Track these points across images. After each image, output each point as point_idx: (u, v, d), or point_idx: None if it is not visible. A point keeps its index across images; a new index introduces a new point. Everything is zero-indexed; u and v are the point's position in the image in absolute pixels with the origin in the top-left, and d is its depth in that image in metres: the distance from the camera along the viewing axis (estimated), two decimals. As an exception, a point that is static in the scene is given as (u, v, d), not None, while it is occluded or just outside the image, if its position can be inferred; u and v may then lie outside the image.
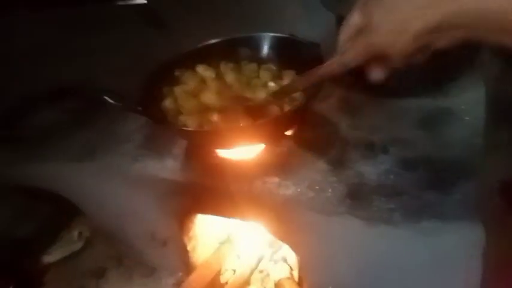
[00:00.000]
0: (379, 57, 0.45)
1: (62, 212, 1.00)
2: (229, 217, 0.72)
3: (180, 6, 1.17)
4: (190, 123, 0.64)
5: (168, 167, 0.74)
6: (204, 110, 0.66)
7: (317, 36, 0.81)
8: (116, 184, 0.80)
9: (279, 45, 0.78)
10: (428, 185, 0.61)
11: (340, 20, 0.82)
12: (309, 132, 0.72)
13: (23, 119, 0.96)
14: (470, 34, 0.39)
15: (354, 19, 0.46)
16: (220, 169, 0.69)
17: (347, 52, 0.47)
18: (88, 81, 1.02)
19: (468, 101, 0.74)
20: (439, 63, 0.76)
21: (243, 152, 0.68)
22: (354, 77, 0.78)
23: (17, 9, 1.22)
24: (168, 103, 0.69)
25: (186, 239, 0.81)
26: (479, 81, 0.77)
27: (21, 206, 0.98)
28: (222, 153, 0.70)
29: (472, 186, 0.59)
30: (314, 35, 0.88)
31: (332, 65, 0.52)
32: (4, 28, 1.21)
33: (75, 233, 0.99)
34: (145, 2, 1.23)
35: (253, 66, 0.76)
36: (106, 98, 0.59)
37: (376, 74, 0.48)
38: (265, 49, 0.80)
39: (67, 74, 1.08)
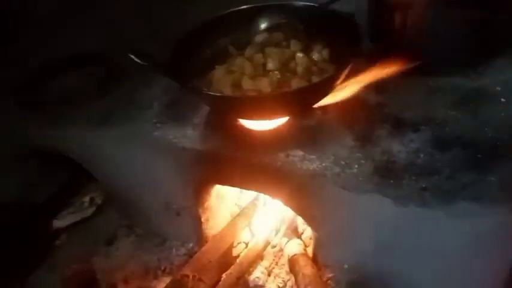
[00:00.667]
0: None
1: (76, 178, 0.99)
2: (248, 189, 0.70)
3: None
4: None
5: (188, 136, 0.71)
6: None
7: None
8: (134, 151, 0.78)
9: (310, 15, 0.75)
10: (462, 166, 0.58)
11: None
12: (336, 106, 0.69)
13: (45, 84, 0.94)
14: None
15: None
16: (241, 139, 0.67)
17: None
18: (110, 47, 1.00)
19: (504, 82, 0.70)
20: (473, 43, 0.73)
21: (267, 123, 0.65)
22: (386, 53, 0.76)
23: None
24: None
25: (200, 210, 0.79)
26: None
27: (37, 170, 0.97)
28: (245, 123, 0.67)
29: (509, 169, 0.56)
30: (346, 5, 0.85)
31: None
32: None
33: (87, 199, 0.98)
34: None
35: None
36: (132, 56, 0.56)
37: None
38: (296, 18, 0.76)
39: (89, 40, 1.07)
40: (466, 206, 0.53)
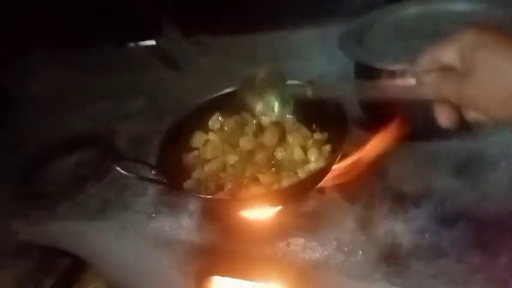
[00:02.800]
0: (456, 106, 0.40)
1: (76, 269, 0.96)
2: (250, 280, 0.67)
3: (191, 49, 1.15)
4: (210, 186, 0.61)
5: (184, 227, 0.70)
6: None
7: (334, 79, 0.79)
8: (132, 243, 0.76)
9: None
10: (470, 244, 0.56)
11: (358, 66, 0.80)
12: (332, 185, 0.67)
13: (39, 173, 0.94)
14: None
15: (447, 56, 0.39)
16: (239, 230, 0.65)
17: (426, 84, 0.41)
18: (103, 129, 1.01)
19: (501, 143, 0.69)
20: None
21: (264, 212, 0.64)
22: (379, 121, 0.75)
23: (34, 48, 1.23)
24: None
25: (205, 300, 0.76)
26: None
27: (36, 264, 0.95)
28: (242, 212, 0.65)
29: (520, 246, 0.54)
30: (331, 77, 0.85)
31: (401, 87, 0.46)
32: (21, 70, 1.22)
33: (89, 289, 0.94)
34: (155, 43, 1.22)
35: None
36: (117, 168, 0.55)
37: (448, 119, 0.41)
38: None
39: (82, 121, 1.08)
40: (478, 294, 0.50)
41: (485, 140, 0.70)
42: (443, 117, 0.42)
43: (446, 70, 0.40)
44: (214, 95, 0.74)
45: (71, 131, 1.05)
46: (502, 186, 0.62)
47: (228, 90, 0.76)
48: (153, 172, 0.59)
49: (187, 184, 0.62)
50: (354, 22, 0.79)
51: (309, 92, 0.53)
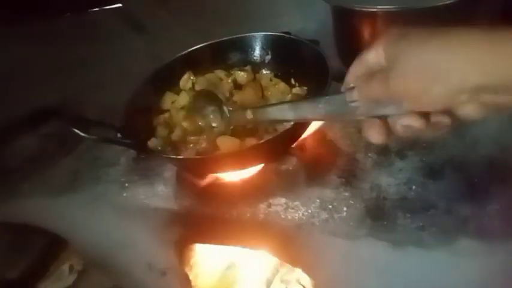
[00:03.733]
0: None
1: (52, 246, 0.92)
2: (232, 246, 0.64)
3: (159, 9, 1.08)
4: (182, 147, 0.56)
5: (159, 194, 0.66)
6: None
7: (313, 33, 0.74)
8: (106, 215, 0.72)
9: (273, 45, 0.70)
10: (458, 195, 0.53)
11: (336, 12, 0.75)
12: (313, 141, 0.64)
13: (4, 149, 0.88)
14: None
15: (372, 57, 0.40)
16: (217, 193, 0.61)
17: (356, 90, 0.40)
18: (71, 99, 0.95)
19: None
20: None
21: (243, 172, 0.60)
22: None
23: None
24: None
25: (187, 268, 0.73)
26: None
27: (9, 243, 0.91)
28: (219, 175, 0.61)
29: (509, 194, 0.51)
30: (310, 31, 0.80)
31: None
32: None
33: (66, 267, 0.91)
34: (121, 5, 1.14)
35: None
36: (76, 130, 0.50)
37: (377, 134, 0.39)
38: (257, 51, 0.72)
39: (48, 94, 1.00)
40: (467, 244, 0.48)
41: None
42: (372, 132, 0.40)
43: (372, 72, 0.40)
44: (184, 52, 0.69)
45: (36, 105, 0.99)
46: (488, 133, 0.59)
47: (200, 45, 0.71)
48: (118, 135, 0.54)
49: (153, 143, 0.58)
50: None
51: (249, 116, 0.49)
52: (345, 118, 0.48)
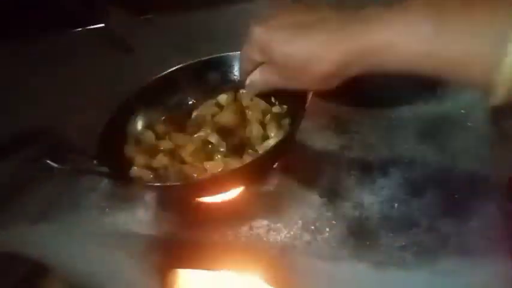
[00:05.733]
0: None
1: (33, 274, 0.89)
2: (215, 270, 0.62)
3: (142, 28, 1.08)
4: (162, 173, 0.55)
5: (140, 219, 0.64)
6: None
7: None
8: (87, 241, 0.70)
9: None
10: (440, 211, 0.53)
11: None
12: (295, 161, 0.63)
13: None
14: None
15: (252, 55, 0.46)
16: (199, 217, 0.60)
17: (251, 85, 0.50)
18: (50, 123, 0.93)
19: (466, 103, 0.66)
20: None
21: (223, 196, 0.59)
22: (343, 90, 0.71)
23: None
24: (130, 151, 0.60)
25: (171, 294, 0.72)
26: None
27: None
28: (200, 198, 0.60)
29: (492, 207, 0.51)
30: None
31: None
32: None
33: (50, 293, 0.88)
34: (103, 25, 1.14)
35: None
36: (49, 162, 0.49)
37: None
38: (237, 70, 0.71)
39: (27, 118, 0.99)
40: (449, 263, 0.47)
41: (449, 101, 0.67)
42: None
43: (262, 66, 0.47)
44: (159, 75, 0.68)
45: (15, 130, 0.97)
46: (469, 148, 0.59)
47: (177, 67, 0.70)
48: (95, 162, 0.52)
49: (134, 172, 0.56)
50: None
51: None
52: None
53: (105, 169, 0.51)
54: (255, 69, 0.48)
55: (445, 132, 0.63)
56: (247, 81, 0.51)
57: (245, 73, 0.50)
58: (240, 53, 0.48)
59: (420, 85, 0.68)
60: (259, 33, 0.44)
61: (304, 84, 0.44)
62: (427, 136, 0.63)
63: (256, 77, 0.48)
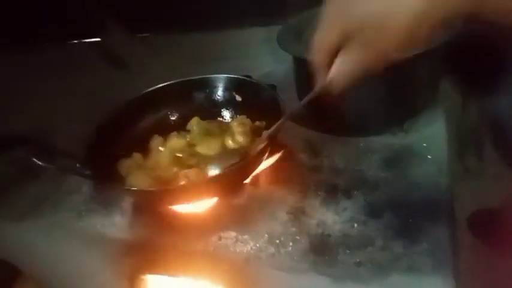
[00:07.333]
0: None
1: (5, 274, 0.90)
2: (183, 277, 0.65)
3: (136, 44, 1.13)
4: (140, 180, 0.59)
5: (116, 224, 0.67)
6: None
7: (274, 78, 0.79)
8: (62, 243, 0.72)
9: (235, 86, 0.75)
10: (394, 233, 0.57)
11: (297, 62, 0.81)
12: (267, 178, 0.68)
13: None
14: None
15: (330, 38, 0.42)
16: (172, 225, 0.63)
17: (334, 71, 0.44)
18: (39, 128, 0.96)
19: (429, 137, 0.72)
20: (395, 101, 0.74)
21: (196, 206, 0.62)
22: (316, 116, 0.76)
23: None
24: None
25: (140, 300, 0.73)
26: (439, 116, 0.76)
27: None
28: (174, 207, 0.64)
29: (441, 231, 0.56)
30: (271, 77, 0.86)
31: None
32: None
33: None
34: (99, 39, 1.19)
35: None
36: (35, 160, 0.52)
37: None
38: (220, 91, 0.76)
39: (17, 122, 1.02)
40: (399, 279, 0.51)
41: (414, 134, 0.73)
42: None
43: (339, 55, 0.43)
44: (147, 90, 0.73)
45: (2, 132, 1.00)
46: (427, 177, 0.65)
47: (165, 84, 0.75)
48: (77, 165, 0.56)
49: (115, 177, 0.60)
50: (293, 19, 0.80)
51: None
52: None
53: (87, 171, 0.55)
54: (331, 58, 0.43)
55: (407, 162, 0.68)
56: (328, 79, 0.45)
57: (322, 65, 0.45)
58: (314, 44, 0.44)
59: (390, 118, 0.74)
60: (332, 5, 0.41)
61: (388, 50, 0.38)
62: (391, 165, 0.68)
63: (338, 69, 0.43)
